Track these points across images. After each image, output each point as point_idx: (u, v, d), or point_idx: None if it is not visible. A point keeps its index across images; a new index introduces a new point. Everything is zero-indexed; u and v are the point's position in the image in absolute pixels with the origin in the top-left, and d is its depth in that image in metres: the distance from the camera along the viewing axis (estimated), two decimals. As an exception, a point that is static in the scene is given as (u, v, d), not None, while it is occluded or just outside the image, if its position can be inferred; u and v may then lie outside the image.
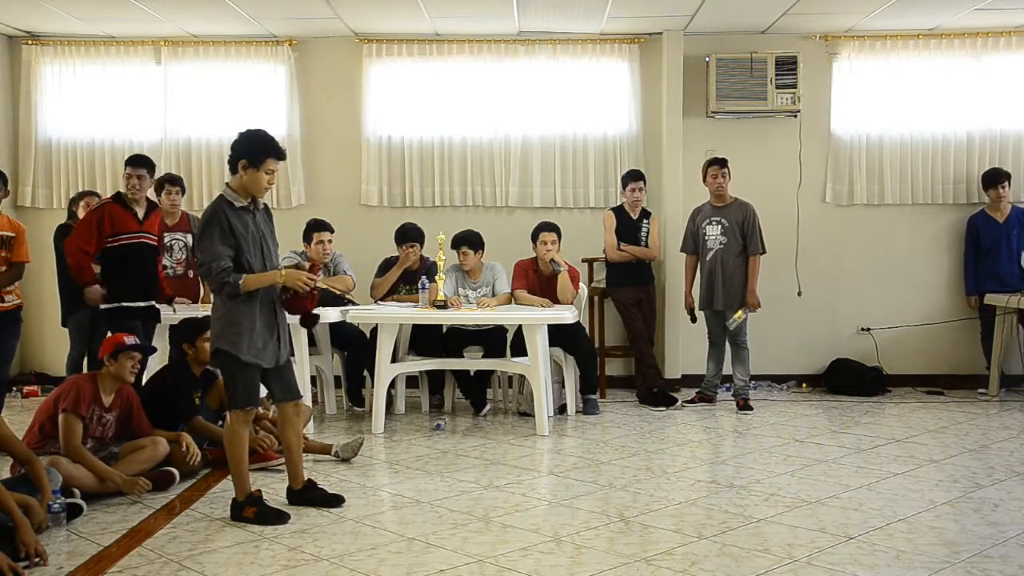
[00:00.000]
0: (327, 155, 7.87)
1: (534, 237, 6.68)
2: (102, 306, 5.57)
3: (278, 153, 4.17)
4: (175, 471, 4.72)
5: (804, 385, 7.72)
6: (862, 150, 7.72)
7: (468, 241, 6.61)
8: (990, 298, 7.28)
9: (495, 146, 7.76)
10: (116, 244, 5.54)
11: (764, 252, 6.84)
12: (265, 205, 4.30)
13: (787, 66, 7.43)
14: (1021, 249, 7.40)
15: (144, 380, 5.55)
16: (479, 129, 7.75)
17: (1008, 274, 7.35)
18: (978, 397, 7.33)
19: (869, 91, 7.69)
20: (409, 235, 6.76)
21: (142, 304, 5.64)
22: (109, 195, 5.83)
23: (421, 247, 6.80)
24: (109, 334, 5.25)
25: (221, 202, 4.10)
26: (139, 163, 5.73)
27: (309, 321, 4.40)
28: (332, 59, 7.81)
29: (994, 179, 7.41)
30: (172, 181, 6.59)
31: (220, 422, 5.08)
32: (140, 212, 5.67)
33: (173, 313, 5.80)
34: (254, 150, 4.11)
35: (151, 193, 6.02)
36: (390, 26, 7.51)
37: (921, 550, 3.70)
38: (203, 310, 5.60)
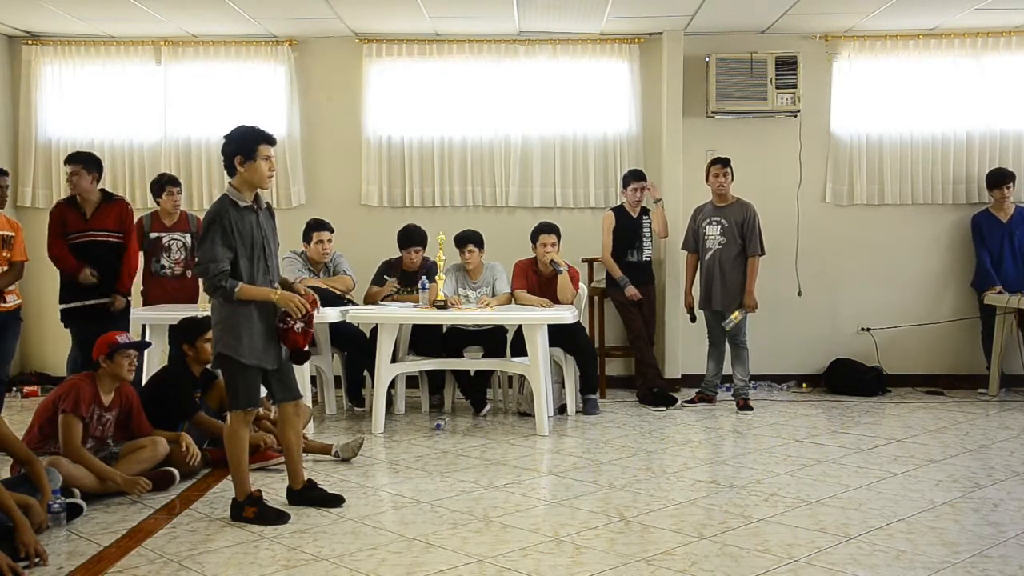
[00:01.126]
0: (327, 155, 7.87)
1: (533, 238, 6.69)
2: (61, 306, 5.68)
3: (268, 138, 4.16)
4: (175, 471, 4.72)
5: (804, 385, 7.72)
6: (862, 150, 7.72)
7: (475, 239, 6.61)
8: (990, 298, 7.28)
9: (495, 146, 7.75)
10: (69, 243, 5.64)
11: (763, 254, 6.84)
12: (268, 205, 4.29)
13: (787, 66, 7.43)
14: (1022, 250, 7.40)
15: (144, 379, 5.58)
16: (479, 129, 7.74)
17: (1011, 274, 7.34)
18: (978, 397, 7.33)
19: (869, 91, 7.69)
20: (414, 239, 6.75)
21: (96, 301, 5.71)
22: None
23: (424, 249, 6.80)
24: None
25: (225, 202, 4.10)
26: (71, 160, 5.81)
27: (297, 357, 4.28)
28: (332, 59, 7.81)
29: (999, 179, 7.41)
30: (173, 182, 6.60)
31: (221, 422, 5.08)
32: (88, 210, 5.71)
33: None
34: (245, 142, 4.12)
35: (150, 194, 6.08)
36: (390, 26, 7.51)
37: (921, 550, 3.70)
38: (203, 310, 5.60)
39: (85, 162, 5.79)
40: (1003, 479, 4.83)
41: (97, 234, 5.76)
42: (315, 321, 4.55)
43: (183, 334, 5.20)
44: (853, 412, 6.74)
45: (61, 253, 5.77)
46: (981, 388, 7.44)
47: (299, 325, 4.13)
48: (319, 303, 4.35)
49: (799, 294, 7.71)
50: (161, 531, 4.02)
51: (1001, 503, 4.38)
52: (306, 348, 4.25)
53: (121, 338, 4.67)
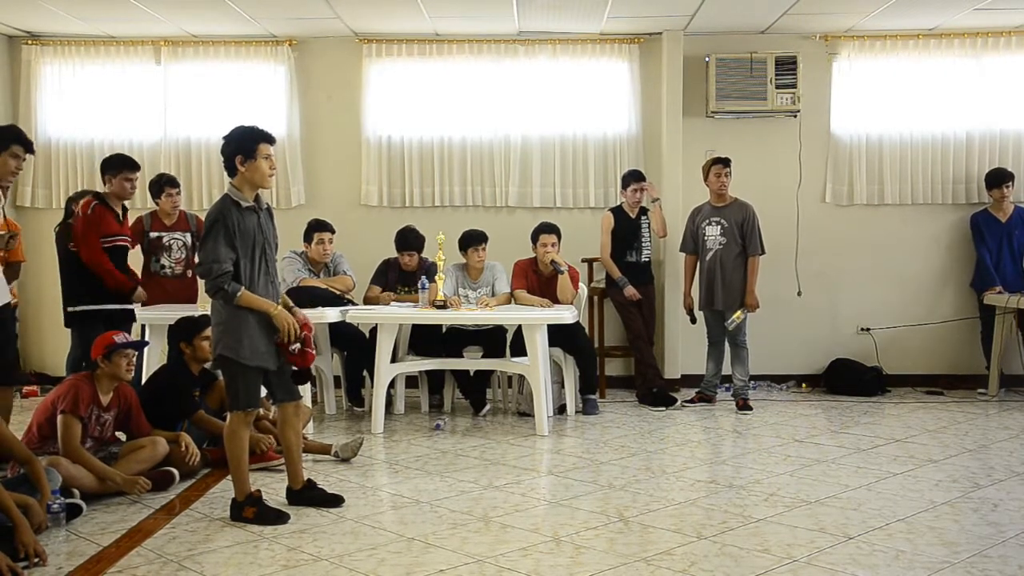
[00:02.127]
0: (327, 155, 7.87)
1: (534, 238, 6.69)
2: (68, 309, 5.67)
3: (268, 137, 4.16)
4: (175, 471, 4.72)
5: (804, 385, 7.71)
6: (862, 150, 7.72)
7: (485, 239, 6.62)
8: (990, 298, 7.28)
9: (495, 146, 7.75)
10: (106, 246, 5.63)
11: (763, 253, 6.84)
12: (268, 206, 4.29)
13: (787, 66, 7.43)
14: (1021, 250, 7.40)
15: (143, 379, 5.58)
16: (479, 129, 7.74)
17: (1009, 274, 7.34)
18: (978, 397, 7.33)
19: (869, 91, 7.69)
20: (409, 243, 6.75)
21: (116, 307, 5.71)
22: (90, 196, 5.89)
23: (419, 253, 6.79)
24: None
25: (227, 202, 4.09)
26: (136, 167, 5.79)
27: (297, 377, 4.29)
28: (332, 59, 7.81)
29: (998, 179, 7.41)
30: (172, 183, 6.60)
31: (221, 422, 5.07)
32: (120, 214, 5.75)
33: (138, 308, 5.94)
34: (244, 142, 4.11)
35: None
36: (390, 26, 7.51)
37: (920, 550, 3.70)
38: (202, 310, 5.60)
39: (139, 167, 5.87)
40: (1003, 479, 4.83)
41: (126, 239, 5.87)
42: (315, 322, 4.55)
43: (180, 333, 5.20)
44: (853, 412, 6.74)
45: (106, 261, 5.67)
46: (981, 388, 7.44)
47: (295, 346, 4.13)
48: (312, 328, 4.31)
49: (799, 294, 7.71)
50: (160, 531, 4.02)
51: (1000, 503, 4.38)
52: (309, 368, 4.24)
53: (118, 338, 4.66)
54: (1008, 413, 6.72)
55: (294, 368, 4.21)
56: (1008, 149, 7.65)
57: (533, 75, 7.72)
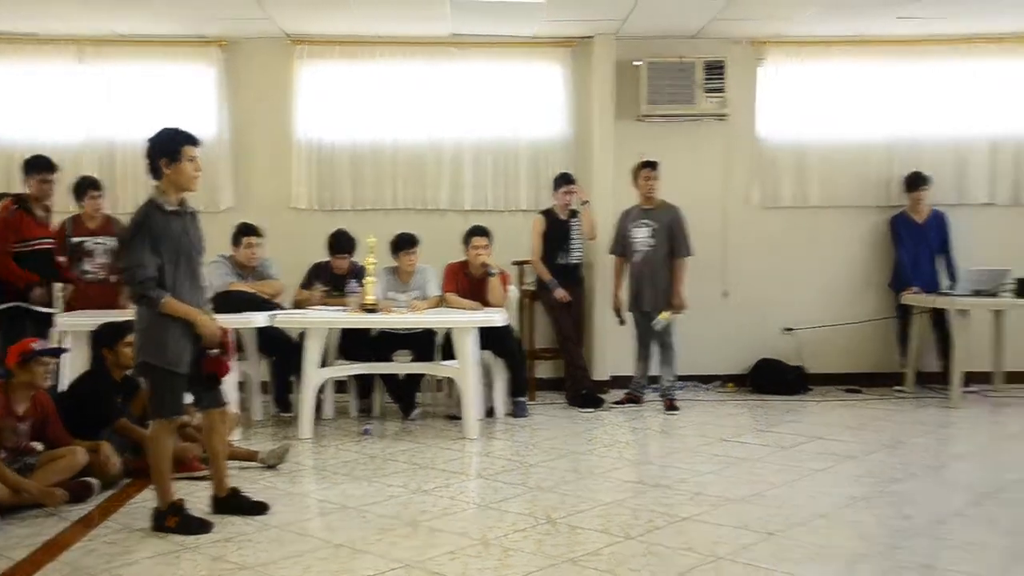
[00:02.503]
0: (257, 158, 7.76)
1: (466, 241, 6.69)
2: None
3: (192, 139, 4.10)
4: (94, 481, 4.59)
5: (730, 385, 7.83)
6: (787, 153, 7.89)
7: (416, 242, 6.59)
8: (907, 298, 7.50)
9: (427, 148, 7.73)
10: (26, 250, 5.49)
11: (691, 255, 6.94)
12: (193, 210, 4.21)
13: (715, 71, 7.55)
14: (937, 251, 7.65)
15: (63, 386, 5.43)
16: (411, 131, 7.71)
17: (926, 274, 7.57)
18: (895, 394, 7.54)
19: (794, 95, 7.86)
20: (343, 246, 6.70)
21: (44, 310, 5.68)
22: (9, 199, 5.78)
23: (352, 255, 6.75)
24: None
25: (151, 206, 4.01)
26: (53, 168, 5.66)
27: (211, 381, 4.21)
28: (262, 60, 7.71)
29: (915, 183, 7.64)
30: (94, 185, 6.45)
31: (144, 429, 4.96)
32: (42, 217, 5.65)
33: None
34: (168, 144, 4.05)
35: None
36: (322, 27, 7.44)
37: (839, 544, 3.81)
38: (120, 314, 5.48)
39: (56, 168, 5.73)
40: (916, 474, 5.00)
41: (50, 242, 5.83)
42: (243, 327, 4.47)
43: (102, 338, 5.08)
44: (776, 411, 6.88)
45: (10, 262, 5.63)
46: (897, 386, 7.65)
47: (215, 351, 4.07)
48: (230, 338, 4.26)
49: (725, 295, 7.85)
50: (77, 544, 3.90)
51: (914, 496, 4.54)
52: (222, 377, 4.18)
53: (36, 345, 4.53)
54: (923, 409, 6.93)
55: (208, 373, 4.12)
56: (926, 153, 7.87)
57: (466, 78, 7.73)
